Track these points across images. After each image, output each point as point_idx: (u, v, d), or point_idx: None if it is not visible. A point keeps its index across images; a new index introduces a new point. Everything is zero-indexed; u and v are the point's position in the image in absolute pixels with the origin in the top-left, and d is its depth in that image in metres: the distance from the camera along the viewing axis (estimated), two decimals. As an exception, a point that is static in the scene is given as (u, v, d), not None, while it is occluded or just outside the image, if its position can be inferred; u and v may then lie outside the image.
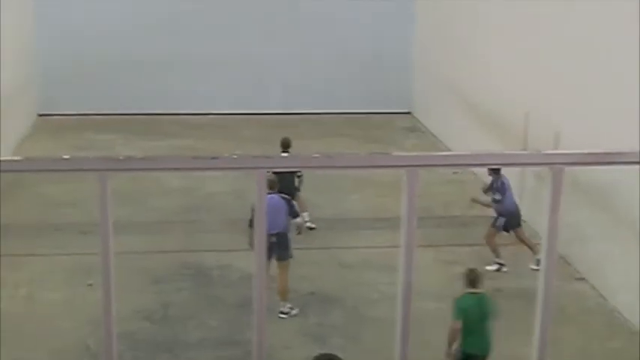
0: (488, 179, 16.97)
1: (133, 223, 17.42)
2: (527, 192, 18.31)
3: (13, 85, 23.23)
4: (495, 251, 16.62)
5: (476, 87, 22.19)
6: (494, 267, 16.49)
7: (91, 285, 15.09)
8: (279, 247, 14.31)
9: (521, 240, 16.66)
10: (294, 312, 14.61)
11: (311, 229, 17.72)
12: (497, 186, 16.55)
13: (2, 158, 3.00)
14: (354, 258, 16.88)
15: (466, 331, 11.67)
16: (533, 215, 17.03)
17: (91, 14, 26.80)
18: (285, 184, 15.56)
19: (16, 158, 3.01)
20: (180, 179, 19.55)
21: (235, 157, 2.99)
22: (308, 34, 27.64)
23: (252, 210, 14.61)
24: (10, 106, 22.76)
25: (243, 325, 13.88)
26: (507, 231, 16.66)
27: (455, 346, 11.79)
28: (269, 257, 13.64)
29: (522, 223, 16.75)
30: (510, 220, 16.55)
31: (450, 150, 22.63)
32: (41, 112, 26.86)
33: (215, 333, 14.04)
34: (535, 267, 15.40)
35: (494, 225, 16.59)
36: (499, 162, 3.60)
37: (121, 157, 2.98)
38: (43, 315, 14.42)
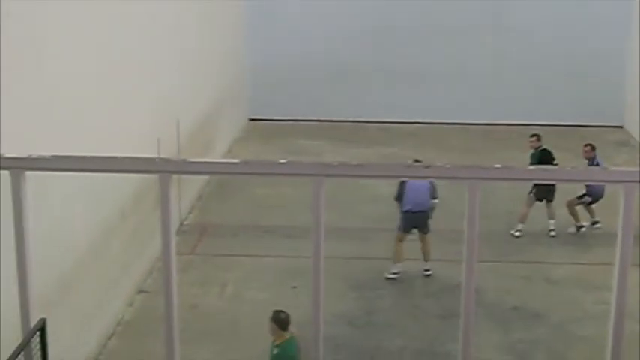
0: None
1: (339, 228, 17.62)
2: None
3: (225, 89, 23.98)
4: (575, 216, 18.29)
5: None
6: (573, 229, 18.34)
7: (295, 287, 15.37)
8: (423, 223, 16.29)
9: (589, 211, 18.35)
10: (429, 272, 16.27)
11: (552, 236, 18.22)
12: (593, 165, 17.34)
13: (219, 160, 3.10)
14: (561, 274, 16.51)
15: None
16: None
17: (301, 22, 27.29)
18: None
19: (233, 161, 3.10)
20: (387, 187, 19.56)
21: (448, 166, 2.99)
22: (517, 43, 27.20)
23: (400, 185, 16.04)
24: (222, 110, 23.50)
25: (444, 336, 13.80)
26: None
27: None
28: (407, 231, 16.25)
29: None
30: (594, 201, 18.13)
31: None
32: (252, 117, 27.57)
33: (416, 342, 14.00)
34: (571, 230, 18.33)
35: (579, 198, 18.17)
36: None
37: (336, 164, 3.02)
38: (249, 315, 14.76)
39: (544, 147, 18.67)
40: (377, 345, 13.83)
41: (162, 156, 14.20)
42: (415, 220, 16.21)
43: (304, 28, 27.35)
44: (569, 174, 3.10)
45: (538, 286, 16.00)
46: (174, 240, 3.02)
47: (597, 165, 17.43)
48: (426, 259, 16.40)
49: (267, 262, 16.79)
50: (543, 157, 18.15)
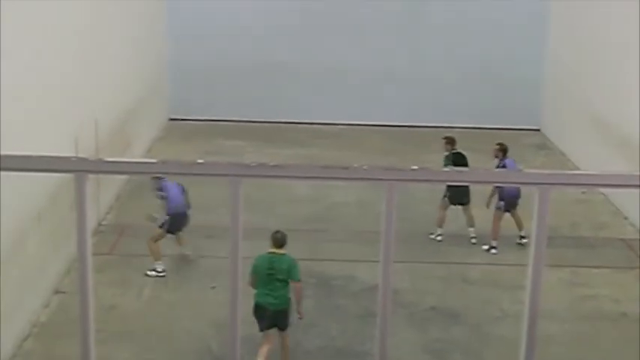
0: (618, 201, 16.69)
1: (259, 229, 17.59)
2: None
3: (145, 89, 23.80)
4: (495, 233, 17.71)
5: (608, 105, 21.73)
6: (485, 247, 17.80)
7: (214, 287, 15.32)
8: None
9: (516, 218, 17.74)
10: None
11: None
12: (500, 166, 17.43)
13: (137, 160, 3.07)
14: (478, 274, 16.72)
15: (258, 284, 12.81)
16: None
17: (223, 22, 27.26)
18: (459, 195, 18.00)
19: (151, 160, 3.07)
20: (307, 188, 19.68)
21: (366, 168, 3.00)
22: (437, 47, 27.55)
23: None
24: (143, 109, 23.33)
25: (363, 336, 13.89)
26: (508, 211, 17.69)
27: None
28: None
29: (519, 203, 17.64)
30: (512, 205, 17.61)
31: (578, 169, 22.22)
32: (172, 117, 27.42)
33: (335, 342, 14.08)
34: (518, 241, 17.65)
35: (498, 209, 17.72)
36: (628, 183, 3.50)
37: (253, 164, 3.02)
38: (167, 315, 14.68)
39: (458, 150, 18.63)
40: (295, 345, 13.85)
41: (80, 155, 14.05)
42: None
43: (226, 27, 27.30)
44: (484, 175, 3.14)
45: (456, 286, 16.19)
46: (90, 240, 2.99)
47: (504, 166, 17.49)
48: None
49: (187, 262, 16.70)
50: (456, 160, 18.15)
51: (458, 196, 18.00)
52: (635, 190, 3.11)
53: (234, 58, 27.46)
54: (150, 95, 24.53)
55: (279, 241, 13.04)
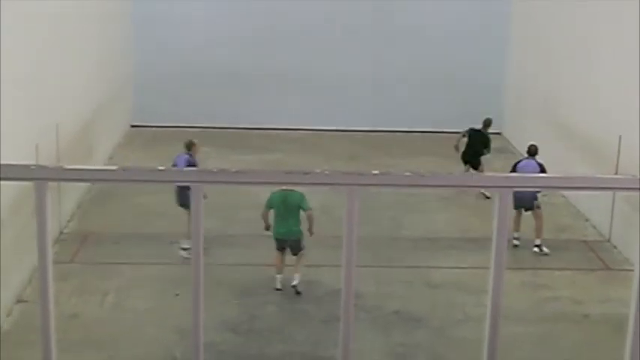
0: (580, 203, 16.82)
1: (222, 235, 17.58)
2: (618, 216, 18.03)
3: (107, 95, 23.69)
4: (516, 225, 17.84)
5: (569, 108, 21.92)
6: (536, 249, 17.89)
7: (178, 295, 15.28)
8: None
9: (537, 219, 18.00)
10: None
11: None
12: (515, 163, 18.46)
13: (98, 167, 3.06)
14: (441, 278, 16.78)
15: (275, 219, 15.85)
16: (626, 241, 16.72)
17: (186, 29, 27.21)
18: None
19: (111, 168, 3.06)
20: (268, 194, 19.66)
21: (327, 173, 3.01)
22: (399, 51, 27.67)
23: None
24: (104, 115, 23.21)
25: (327, 341, 13.90)
26: (517, 209, 17.70)
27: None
28: None
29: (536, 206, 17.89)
30: (519, 202, 17.43)
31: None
32: (134, 124, 27.30)
33: (299, 347, 14.08)
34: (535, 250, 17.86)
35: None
36: (590, 185, 3.53)
37: (215, 170, 3.02)
38: (130, 323, 14.62)
39: (478, 128, 21.61)
40: (259, 351, 13.86)
41: (41, 162, 13.96)
42: None
43: (188, 33, 27.26)
44: (446, 180, 3.16)
45: (419, 290, 16.24)
46: (50, 249, 2.97)
47: (515, 165, 18.32)
48: None
49: (150, 270, 16.65)
50: (473, 135, 21.42)
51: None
52: (596, 192, 3.14)
53: (198, 64, 27.40)
54: (112, 101, 24.41)
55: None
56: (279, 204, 15.77)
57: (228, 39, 27.31)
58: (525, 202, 17.61)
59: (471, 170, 20.88)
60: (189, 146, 17.52)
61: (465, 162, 21.46)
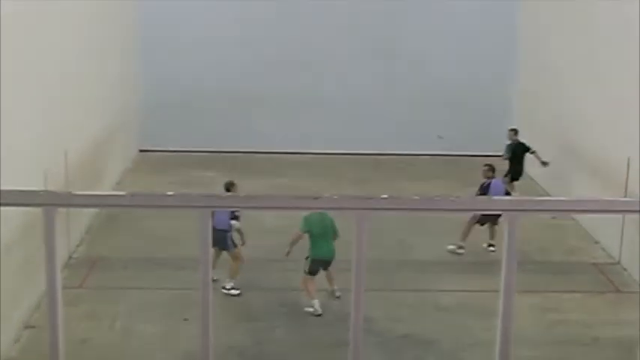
0: (589, 225, 16.83)
1: (228, 259, 17.56)
2: (628, 239, 17.97)
3: (115, 120, 23.75)
4: (464, 235, 18.76)
5: (577, 131, 21.90)
6: (452, 247, 18.88)
7: (186, 320, 15.24)
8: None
9: (492, 230, 18.97)
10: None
11: None
12: (485, 185, 18.80)
13: (106, 193, 3.07)
14: (450, 301, 16.73)
15: (314, 240, 16.07)
16: (637, 263, 16.67)
17: (193, 53, 27.28)
18: None
19: (120, 193, 3.07)
20: (276, 218, 19.61)
21: (336, 197, 3.01)
22: (406, 75, 27.69)
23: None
24: (113, 140, 23.26)
25: (336, 365, 13.85)
26: (482, 224, 18.79)
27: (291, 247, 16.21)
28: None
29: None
30: (485, 217, 18.47)
31: (549, 194, 22.35)
32: (142, 148, 27.35)
33: (308, 373, 14.02)
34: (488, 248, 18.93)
35: (473, 215, 18.37)
36: (598, 208, 3.52)
37: (223, 195, 3.03)
38: (139, 348, 14.59)
39: (520, 140, 22.44)
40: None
41: (49, 188, 13.97)
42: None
43: (196, 57, 27.32)
44: (454, 204, 3.15)
45: (428, 313, 16.18)
46: (59, 275, 2.97)
47: (488, 186, 18.68)
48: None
49: (158, 294, 16.62)
50: (516, 149, 22.35)
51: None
52: (606, 215, 3.14)
53: (205, 89, 27.45)
54: (120, 127, 24.46)
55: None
56: (318, 225, 15.96)
57: (236, 63, 27.37)
58: (493, 218, 18.53)
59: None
60: (229, 187, 17.31)
61: (512, 179, 22.16)
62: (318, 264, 16.09)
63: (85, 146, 19.81)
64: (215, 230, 15.53)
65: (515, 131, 22.90)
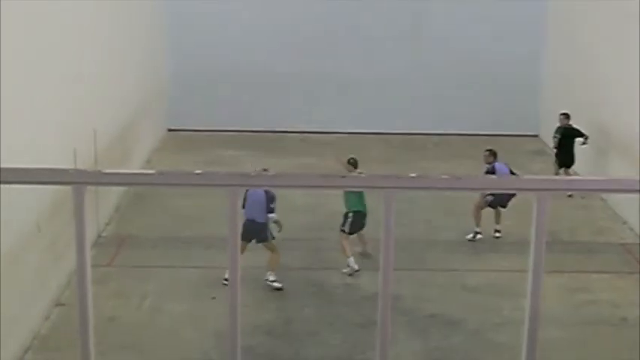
0: (617, 205, 16.71)
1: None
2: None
3: (144, 99, 23.83)
4: (477, 219, 18.60)
5: (607, 110, 21.75)
6: (471, 235, 18.60)
7: (214, 298, 15.32)
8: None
9: (497, 213, 18.83)
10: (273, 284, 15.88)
11: None
12: (489, 170, 18.30)
13: (135, 171, 3.08)
14: (477, 281, 16.71)
15: (350, 199, 16.86)
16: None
17: (222, 33, 27.29)
18: None
19: (149, 172, 3.08)
20: (304, 196, 19.65)
21: (364, 176, 3.01)
22: (435, 53, 27.59)
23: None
24: (142, 120, 23.35)
25: (364, 345, 13.87)
26: (493, 207, 18.65)
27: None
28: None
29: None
30: (499, 203, 18.50)
31: (577, 174, 22.23)
32: (171, 127, 27.42)
33: (335, 351, 14.06)
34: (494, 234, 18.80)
35: (483, 199, 18.47)
36: (627, 188, 3.49)
37: (252, 174, 3.03)
38: (168, 326, 14.68)
39: (570, 125, 21.78)
40: (294, 355, 13.85)
41: (79, 167, 14.05)
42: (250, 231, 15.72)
43: (224, 36, 27.32)
44: (482, 183, 3.14)
45: (455, 293, 16.18)
46: (89, 253, 2.99)
47: (493, 169, 18.29)
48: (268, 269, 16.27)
49: (186, 273, 16.70)
50: (565, 133, 21.71)
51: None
52: (634, 195, 3.11)
53: (233, 68, 27.47)
54: (149, 106, 24.55)
55: (356, 163, 17.82)
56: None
57: (264, 42, 27.36)
58: (503, 201, 18.42)
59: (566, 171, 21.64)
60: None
61: (560, 165, 21.88)
62: (358, 218, 16.84)
63: (114, 125, 19.89)
64: (254, 223, 15.89)
65: (566, 115, 22.22)
